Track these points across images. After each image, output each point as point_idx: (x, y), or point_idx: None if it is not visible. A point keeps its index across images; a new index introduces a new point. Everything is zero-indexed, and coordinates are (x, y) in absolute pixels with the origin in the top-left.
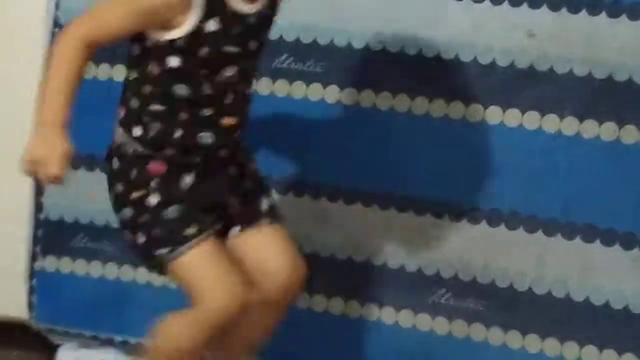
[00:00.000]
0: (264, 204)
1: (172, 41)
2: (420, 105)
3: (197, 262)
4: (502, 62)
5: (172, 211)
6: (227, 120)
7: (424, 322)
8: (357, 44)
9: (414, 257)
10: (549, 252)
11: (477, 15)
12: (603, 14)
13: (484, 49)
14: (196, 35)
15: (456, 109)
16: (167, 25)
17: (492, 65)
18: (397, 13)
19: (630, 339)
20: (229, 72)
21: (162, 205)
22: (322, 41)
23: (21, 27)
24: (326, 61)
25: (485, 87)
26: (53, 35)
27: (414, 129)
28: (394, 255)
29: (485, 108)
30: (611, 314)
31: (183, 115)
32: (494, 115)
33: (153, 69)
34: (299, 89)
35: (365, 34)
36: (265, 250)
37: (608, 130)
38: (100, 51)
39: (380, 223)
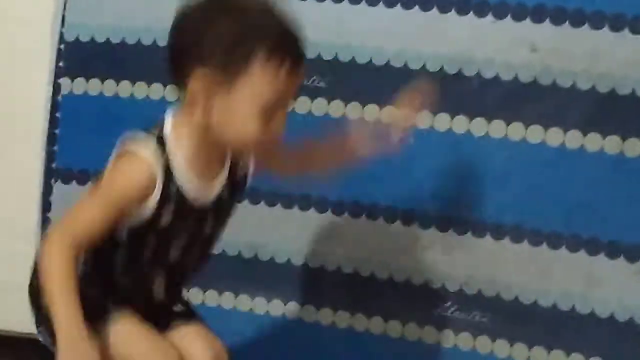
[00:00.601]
0: (177, 307)
1: (129, 229)
2: (424, 119)
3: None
4: (505, 76)
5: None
6: (158, 297)
7: (430, 335)
8: (361, 59)
9: (420, 270)
10: (554, 265)
11: (480, 30)
12: (606, 28)
13: (487, 63)
14: (152, 223)
15: (460, 123)
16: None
17: (496, 79)
18: (400, 28)
19: (636, 351)
20: (174, 254)
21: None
22: (326, 56)
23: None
24: (330, 76)
25: (488, 101)
26: (59, 51)
27: (418, 143)
28: (399, 269)
29: (489, 122)
30: (616, 326)
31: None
32: (497, 129)
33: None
34: (303, 104)
35: (368, 49)
36: (186, 347)
37: (612, 144)
38: (91, 66)
39: (386, 237)
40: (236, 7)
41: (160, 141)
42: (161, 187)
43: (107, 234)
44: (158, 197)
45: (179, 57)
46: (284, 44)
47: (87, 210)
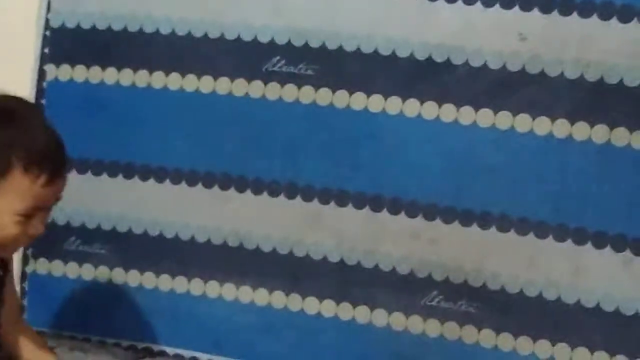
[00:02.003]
0: None
1: None
2: (412, 107)
3: None
4: (494, 65)
5: None
6: None
7: (416, 324)
8: (349, 47)
9: (406, 259)
10: (540, 255)
11: (468, 18)
12: (594, 17)
13: (475, 52)
14: None
15: (447, 112)
16: None
17: (484, 67)
18: (388, 15)
19: (621, 341)
20: None
21: None
22: (314, 44)
23: (13, 29)
24: (318, 64)
25: (476, 89)
26: (45, 37)
27: (405, 131)
28: (385, 258)
29: (477, 110)
30: (602, 316)
31: None
32: (485, 117)
33: None
34: (290, 92)
35: (356, 36)
36: None
37: (599, 133)
38: (76, 53)
39: (372, 225)
40: (0, 119)
41: None
42: None
43: None
44: None
45: None
46: (40, 159)
47: None
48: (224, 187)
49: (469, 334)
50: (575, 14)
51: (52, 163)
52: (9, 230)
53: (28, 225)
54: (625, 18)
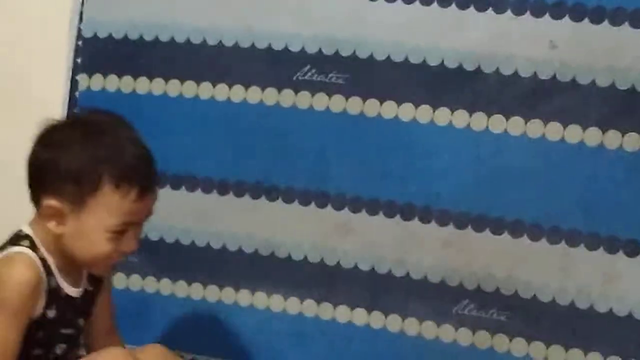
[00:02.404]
0: None
1: None
2: (443, 115)
3: None
4: (524, 73)
5: None
6: None
7: (447, 333)
8: (379, 56)
9: (437, 268)
10: (572, 263)
11: (499, 26)
12: (626, 24)
13: (506, 60)
14: (40, 322)
15: (478, 120)
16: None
17: (514, 75)
18: (418, 24)
19: None
20: (59, 349)
21: None
22: (344, 53)
23: (46, 40)
24: (348, 73)
25: (507, 97)
26: (77, 47)
27: (436, 140)
28: (417, 267)
29: (507, 119)
30: (635, 325)
31: None
32: (516, 125)
33: None
34: (321, 101)
35: (387, 45)
36: None
37: (631, 141)
38: (108, 62)
39: (403, 234)
40: (90, 135)
41: (31, 243)
42: (46, 282)
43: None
44: (45, 293)
45: (35, 183)
46: (130, 175)
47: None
48: (255, 196)
49: (501, 343)
50: (606, 22)
51: (143, 178)
52: (100, 248)
53: (120, 242)
54: None
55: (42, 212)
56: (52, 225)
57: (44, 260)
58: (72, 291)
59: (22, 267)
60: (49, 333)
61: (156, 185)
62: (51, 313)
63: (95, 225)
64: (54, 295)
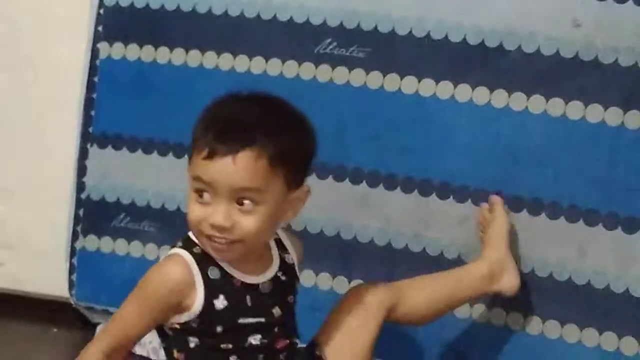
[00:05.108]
0: None
1: (185, 324)
2: (463, 92)
3: None
4: (547, 51)
5: None
6: None
7: (460, 310)
8: (401, 31)
9: (454, 244)
10: (590, 243)
11: (522, 3)
12: None
13: (529, 38)
14: (207, 314)
15: (499, 97)
16: (180, 310)
17: (537, 53)
18: (441, 0)
19: None
20: (254, 340)
21: None
22: (366, 27)
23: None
24: (369, 47)
25: (529, 75)
26: (98, 15)
27: (456, 116)
28: (433, 242)
29: (528, 97)
30: None
31: None
32: (536, 103)
33: (179, 356)
34: (341, 75)
35: (408, 20)
36: None
37: None
38: (129, 31)
39: (420, 209)
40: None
41: (186, 242)
42: (201, 274)
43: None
44: (202, 285)
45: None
46: (205, 132)
47: (123, 314)
48: None
49: (515, 321)
50: (630, 1)
51: (215, 138)
52: (190, 213)
53: (206, 210)
54: None
55: None
56: None
57: (202, 254)
58: (252, 279)
59: (168, 263)
60: (228, 325)
61: (233, 154)
62: (219, 303)
63: (189, 187)
64: (220, 285)
